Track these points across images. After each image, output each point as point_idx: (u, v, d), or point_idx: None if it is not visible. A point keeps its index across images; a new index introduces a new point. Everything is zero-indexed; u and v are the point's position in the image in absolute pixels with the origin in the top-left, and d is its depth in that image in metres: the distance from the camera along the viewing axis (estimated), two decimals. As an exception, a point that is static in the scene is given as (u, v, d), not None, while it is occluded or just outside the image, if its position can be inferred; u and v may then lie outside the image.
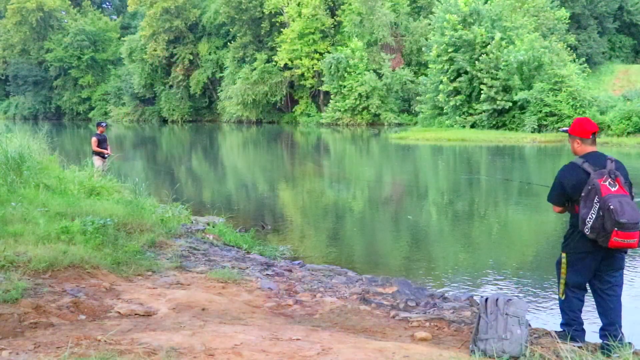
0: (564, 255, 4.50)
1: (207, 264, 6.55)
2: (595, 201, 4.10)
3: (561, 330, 4.54)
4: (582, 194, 4.17)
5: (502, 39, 35.74)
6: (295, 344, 3.85)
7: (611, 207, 4.02)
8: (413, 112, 45.12)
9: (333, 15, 52.20)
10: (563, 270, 4.50)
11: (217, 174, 21.50)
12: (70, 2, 76.03)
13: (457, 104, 36.95)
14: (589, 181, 4.17)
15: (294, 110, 55.46)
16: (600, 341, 4.42)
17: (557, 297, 6.52)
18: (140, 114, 67.39)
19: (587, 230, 4.16)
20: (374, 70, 47.08)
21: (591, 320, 5.86)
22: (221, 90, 58.64)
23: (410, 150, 27.84)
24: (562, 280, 4.53)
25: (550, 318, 5.83)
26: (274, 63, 53.30)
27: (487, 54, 35.33)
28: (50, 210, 7.14)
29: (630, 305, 6.34)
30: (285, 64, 52.00)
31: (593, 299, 4.73)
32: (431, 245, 9.68)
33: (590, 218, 4.11)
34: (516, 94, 33.40)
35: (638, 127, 29.31)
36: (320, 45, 51.45)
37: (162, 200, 10.26)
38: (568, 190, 4.33)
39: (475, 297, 5.85)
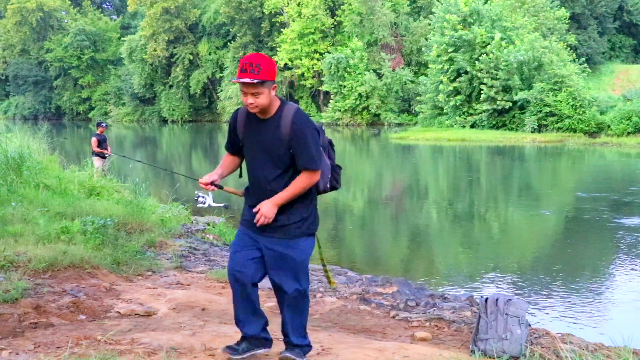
0: (315, 238, 3.40)
1: (207, 264, 6.55)
2: (327, 150, 3.47)
3: (307, 345, 3.46)
4: (321, 143, 3.37)
5: (502, 39, 35.74)
6: (295, 344, 3.84)
7: (331, 140, 3.54)
8: (413, 112, 45.11)
9: (333, 15, 52.19)
10: (322, 257, 3.57)
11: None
12: (70, 2, 76.00)
13: (457, 104, 36.96)
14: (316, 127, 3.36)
15: (294, 110, 55.40)
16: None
17: (556, 296, 6.54)
18: (140, 114, 67.37)
19: (328, 183, 3.42)
20: (374, 70, 47.07)
21: (590, 319, 5.86)
22: (221, 90, 58.64)
23: (410, 151, 27.84)
24: (327, 268, 3.62)
25: (550, 318, 5.84)
26: (274, 63, 53.30)
27: (487, 54, 35.33)
28: (50, 210, 7.13)
29: (630, 306, 6.35)
30: (285, 64, 51.98)
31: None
32: (431, 245, 9.69)
33: (329, 168, 3.44)
34: (516, 94, 33.40)
35: (638, 127, 29.31)
36: (320, 45, 51.44)
37: (162, 200, 10.26)
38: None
39: (475, 297, 5.85)
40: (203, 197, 3.33)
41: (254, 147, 3.28)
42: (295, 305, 3.33)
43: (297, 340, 3.39)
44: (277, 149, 3.20)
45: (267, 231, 3.27)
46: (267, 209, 3.18)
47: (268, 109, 3.21)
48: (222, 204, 3.27)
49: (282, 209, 3.24)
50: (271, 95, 3.17)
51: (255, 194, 3.32)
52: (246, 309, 3.35)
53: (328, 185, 3.41)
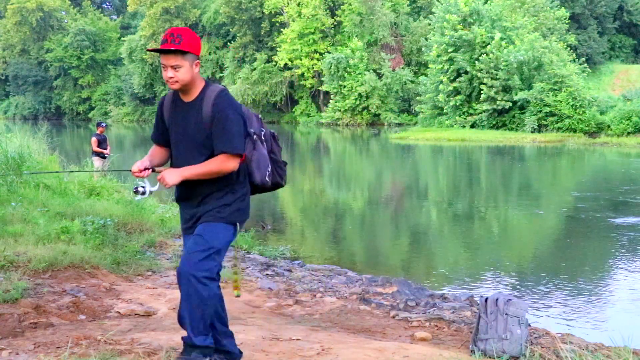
0: (236, 226, 3.11)
1: (207, 264, 6.55)
2: (263, 136, 3.23)
3: (207, 347, 3.07)
4: (254, 131, 3.16)
5: (502, 39, 35.75)
6: (295, 344, 3.85)
7: (275, 134, 3.34)
8: (413, 112, 45.12)
9: (333, 15, 52.20)
10: (235, 254, 3.36)
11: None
12: (70, 2, 76.04)
13: (457, 104, 36.96)
14: (249, 114, 3.20)
15: (294, 110, 55.47)
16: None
17: (556, 296, 6.53)
18: (140, 114, 67.39)
19: (267, 177, 3.18)
20: (374, 70, 47.09)
21: (590, 319, 5.86)
22: (221, 90, 58.61)
23: (410, 151, 27.84)
24: (238, 269, 3.33)
25: (550, 318, 5.83)
26: (274, 63, 53.32)
27: (487, 54, 35.34)
28: (50, 210, 7.14)
29: (630, 305, 6.35)
30: (285, 64, 52.01)
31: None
32: (431, 245, 9.69)
33: (267, 160, 3.20)
34: (516, 94, 33.41)
35: (638, 127, 29.32)
36: (320, 45, 51.45)
37: (162, 200, 10.26)
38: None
39: (475, 297, 5.86)
40: (142, 187, 3.09)
41: (177, 132, 3.09)
42: (193, 293, 2.97)
43: (196, 339, 3.03)
44: (200, 134, 3.01)
45: (193, 227, 3.11)
46: (170, 174, 2.98)
47: (190, 88, 3.03)
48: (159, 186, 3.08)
49: (203, 201, 3.06)
50: (194, 71, 2.99)
51: (180, 184, 3.06)
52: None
53: (268, 180, 3.18)
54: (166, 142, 3.20)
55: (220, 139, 2.96)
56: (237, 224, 3.11)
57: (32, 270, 5.04)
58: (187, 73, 2.97)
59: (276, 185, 3.28)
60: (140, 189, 3.09)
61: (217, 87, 3.06)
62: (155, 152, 3.24)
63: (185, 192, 3.10)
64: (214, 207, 3.04)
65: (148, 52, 60.46)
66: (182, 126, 3.07)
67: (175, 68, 2.94)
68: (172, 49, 2.91)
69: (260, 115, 3.30)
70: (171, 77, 2.96)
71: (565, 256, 8.64)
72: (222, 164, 2.97)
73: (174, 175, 2.97)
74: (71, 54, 70.47)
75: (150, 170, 3.12)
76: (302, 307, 5.19)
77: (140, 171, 3.08)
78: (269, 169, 3.18)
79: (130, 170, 3.11)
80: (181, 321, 3.08)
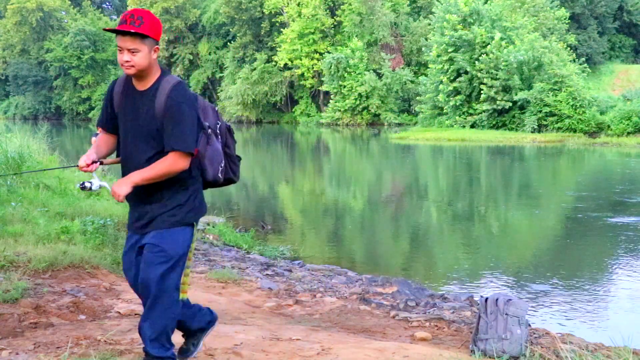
0: (193, 226, 3.00)
1: (207, 264, 6.56)
2: (219, 129, 3.08)
3: (169, 357, 2.98)
4: (209, 125, 3.01)
5: (502, 39, 35.76)
6: (295, 344, 3.85)
7: (231, 128, 3.20)
8: (413, 112, 45.12)
9: (333, 15, 52.20)
10: (190, 255, 3.04)
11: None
12: (70, 2, 76.03)
13: (457, 104, 36.96)
14: (204, 105, 3.05)
15: (294, 110, 55.47)
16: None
17: (556, 296, 6.53)
18: (140, 114, 67.41)
19: (220, 173, 3.06)
20: (374, 70, 47.10)
21: (590, 319, 5.86)
22: (221, 90, 58.65)
23: (410, 151, 27.84)
24: (188, 270, 3.07)
25: (550, 318, 5.83)
26: (274, 63, 53.32)
27: (487, 54, 35.34)
28: (50, 210, 7.14)
29: (630, 305, 6.35)
30: (285, 64, 52.01)
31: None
32: (431, 245, 9.69)
33: (221, 155, 3.07)
34: (516, 94, 33.40)
35: (638, 127, 29.32)
36: (320, 45, 51.45)
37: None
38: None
39: (475, 297, 5.86)
40: (90, 183, 2.92)
41: (126, 121, 2.91)
42: (154, 304, 2.86)
43: (155, 350, 2.92)
44: (150, 125, 2.83)
45: (144, 228, 2.93)
46: (120, 187, 2.79)
47: (146, 75, 2.86)
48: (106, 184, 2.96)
49: (154, 199, 2.90)
50: (151, 58, 2.81)
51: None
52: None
53: (220, 176, 3.06)
54: (114, 129, 3.01)
55: (171, 135, 2.80)
56: (194, 223, 2.99)
57: (32, 270, 5.04)
58: (145, 59, 2.79)
59: (229, 181, 3.18)
60: (88, 185, 2.92)
61: (174, 79, 2.89)
62: (101, 141, 3.05)
63: (134, 189, 2.85)
64: (167, 209, 2.90)
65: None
66: (132, 115, 2.90)
67: (133, 52, 2.77)
68: (132, 31, 2.73)
69: (217, 107, 3.15)
70: (127, 61, 2.79)
71: (564, 256, 8.64)
72: (173, 164, 2.81)
73: (123, 186, 2.80)
74: (71, 54, 70.43)
75: (98, 163, 2.96)
76: (302, 307, 5.19)
77: (88, 165, 2.90)
78: (222, 165, 3.06)
79: (77, 166, 2.94)
80: (141, 332, 2.94)
